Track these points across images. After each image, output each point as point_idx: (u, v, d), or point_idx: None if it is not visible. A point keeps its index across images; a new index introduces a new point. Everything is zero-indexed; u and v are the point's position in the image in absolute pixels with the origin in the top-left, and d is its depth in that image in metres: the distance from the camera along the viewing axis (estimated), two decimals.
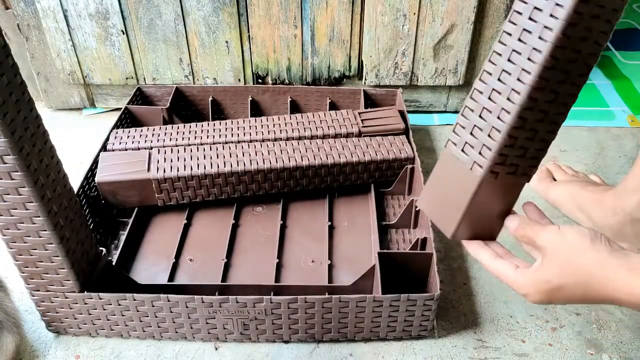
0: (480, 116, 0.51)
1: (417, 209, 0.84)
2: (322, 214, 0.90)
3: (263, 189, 0.89)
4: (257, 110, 1.13)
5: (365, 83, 1.14)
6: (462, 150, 0.53)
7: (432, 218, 0.60)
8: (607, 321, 0.74)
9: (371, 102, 1.10)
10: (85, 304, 0.67)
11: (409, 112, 1.08)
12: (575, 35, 0.45)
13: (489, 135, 0.50)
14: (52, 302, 0.68)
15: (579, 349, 0.71)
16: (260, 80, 1.17)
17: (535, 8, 0.46)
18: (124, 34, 1.09)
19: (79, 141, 1.12)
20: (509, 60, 0.48)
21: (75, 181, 0.74)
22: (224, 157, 0.87)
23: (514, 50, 0.47)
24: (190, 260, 0.81)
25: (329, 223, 0.87)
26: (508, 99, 0.48)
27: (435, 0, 1.02)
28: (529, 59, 0.46)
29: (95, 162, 0.88)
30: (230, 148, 0.89)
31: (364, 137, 0.94)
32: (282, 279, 0.78)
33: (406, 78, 1.13)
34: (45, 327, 0.72)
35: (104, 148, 0.92)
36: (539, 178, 0.96)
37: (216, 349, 0.71)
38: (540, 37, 0.45)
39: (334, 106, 1.10)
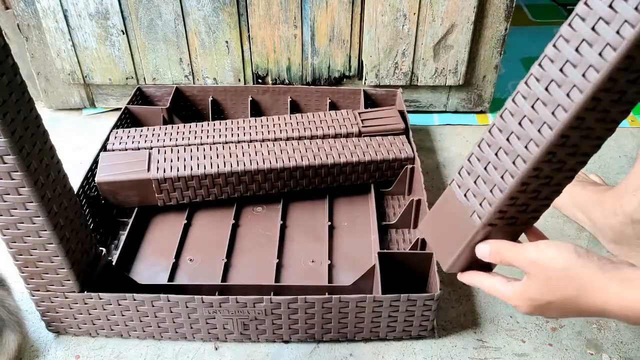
0: (485, 169, 0.51)
1: (417, 209, 0.84)
2: (322, 214, 0.90)
3: (263, 189, 0.89)
4: (257, 110, 1.13)
5: (365, 83, 1.14)
6: (465, 195, 0.54)
7: (431, 246, 0.62)
8: (607, 321, 0.74)
9: (371, 102, 1.10)
10: (85, 304, 0.67)
11: (409, 112, 1.08)
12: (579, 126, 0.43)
13: (491, 191, 0.50)
14: (52, 302, 0.68)
15: (579, 349, 0.71)
16: (260, 80, 1.17)
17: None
18: (124, 34, 1.09)
19: (79, 141, 1.12)
20: (519, 123, 0.47)
21: (75, 181, 0.74)
22: (224, 157, 0.87)
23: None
24: (190, 260, 0.81)
25: (329, 223, 0.87)
26: (514, 162, 0.47)
27: (435, 0, 1.02)
28: (543, 122, 0.44)
29: (95, 162, 0.88)
30: (230, 148, 0.89)
31: (364, 137, 0.94)
32: (282, 279, 0.78)
33: (406, 78, 1.13)
34: (45, 327, 0.72)
35: (104, 148, 0.92)
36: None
37: (216, 349, 0.71)
38: (553, 115, 0.44)
39: (334, 106, 1.10)
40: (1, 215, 0.57)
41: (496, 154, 0.50)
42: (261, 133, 0.94)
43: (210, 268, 0.79)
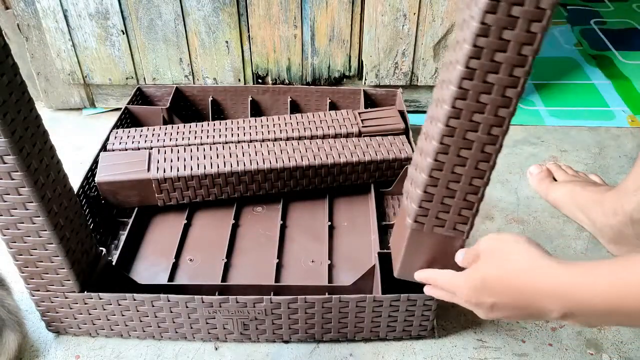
0: (415, 169, 0.57)
1: None
2: (322, 214, 0.90)
3: (263, 189, 0.89)
4: (257, 110, 1.13)
5: (365, 83, 1.14)
6: (406, 199, 0.59)
7: (393, 256, 0.66)
8: None
9: (371, 102, 1.10)
10: (85, 304, 0.67)
11: (409, 112, 1.08)
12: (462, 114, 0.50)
13: (415, 189, 0.56)
14: (52, 302, 0.68)
15: (579, 349, 0.71)
16: (260, 80, 1.17)
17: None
18: (124, 34, 1.09)
19: (79, 141, 1.12)
20: (425, 130, 0.55)
21: (75, 181, 0.74)
22: (224, 157, 0.87)
23: (431, 117, 0.54)
24: (190, 260, 0.81)
25: (329, 223, 0.87)
26: (426, 159, 0.54)
27: (435, 0, 1.02)
28: (437, 126, 0.51)
29: (95, 162, 0.88)
30: (230, 148, 0.89)
31: (364, 137, 0.95)
32: (282, 279, 0.78)
33: (406, 78, 1.13)
34: (45, 327, 0.72)
35: (104, 148, 0.92)
36: (539, 178, 0.95)
37: (216, 349, 0.71)
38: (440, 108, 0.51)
39: (334, 106, 1.10)
40: (1, 215, 0.57)
41: (420, 154, 0.56)
42: (261, 133, 0.94)
43: (210, 268, 0.79)
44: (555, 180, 0.95)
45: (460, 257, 0.57)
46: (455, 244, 0.58)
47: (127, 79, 1.15)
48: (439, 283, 0.58)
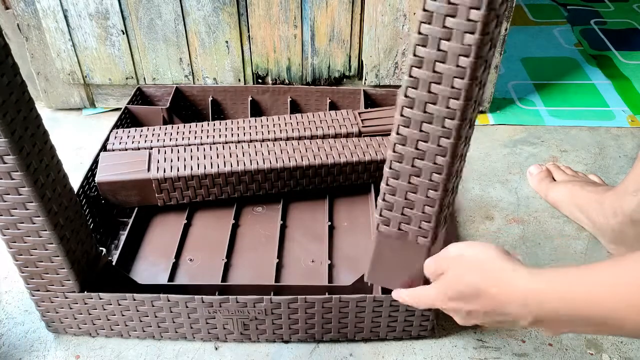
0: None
1: None
2: (322, 214, 0.90)
3: (263, 189, 0.89)
4: (257, 110, 1.13)
5: (365, 83, 1.14)
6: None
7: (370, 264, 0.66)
8: None
9: (371, 102, 1.10)
10: (85, 304, 0.67)
11: None
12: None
13: (379, 197, 0.57)
14: (52, 302, 0.68)
15: (579, 349, 0.71)
16: (260, 80, 1.17)
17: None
18: (124, 34, 1.09)
19: (79, 141, 1.12)
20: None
21: (75, 181, 0.74)
22: (224, 157, 0.87)
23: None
24: (190, 260, 0.81)
25: (329, 223, 0.87)
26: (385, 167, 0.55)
27: None
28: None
29: (95, 162, 0.88)
30: (230, 148, 0.89)
31: (364, 137, 0.95)
32: (282, 279, 0.78)
33: None
34: (45, 327, 0.72)
35: (104, 148, 0.92)
36: (539, 178, 0.95)
37: (216, 348, 0.71)
38: None
39: (334, 106, 1.10)
40: (1, 215, 0.57)
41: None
42: (261, 133, 0.94)
43: (210, 268, 0.79)
44: (555, 180, 0.95)
45: (428, 265, 0.57)
46: (422, 251, 0.58)
47: (127, 79, 1.15)
48: (416, 301, 0.58)
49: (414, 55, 0.46)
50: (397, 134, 0.51)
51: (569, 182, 0.91)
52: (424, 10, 0.44)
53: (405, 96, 0.48)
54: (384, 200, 0.56)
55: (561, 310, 0.44)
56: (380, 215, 0.57)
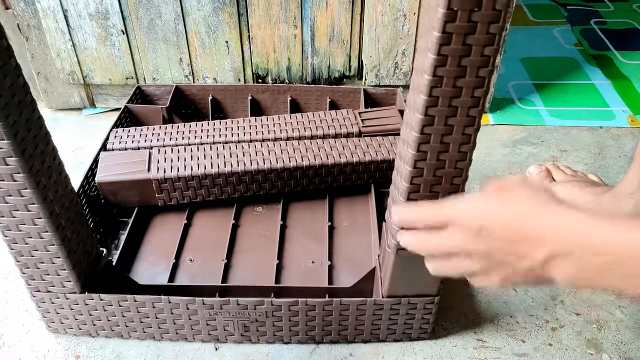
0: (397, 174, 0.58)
1: None
2: (322, 214, 0.90)
3: (263, 189, 0.89)
4: (257, 109, 1.13)
5: (365, 83, 1.14)
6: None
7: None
8: (607, 321, 0.75)
9: (371, 101, 1.10)
10: (86, 304, 0.67)
11: None
12: None
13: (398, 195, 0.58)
14: (53, 303, 0.68)
15: (579, 349, 0.71)
16: (260, 80, 1.17)
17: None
18: (124, 34, 1.09)
19: (79, 141, 1.12)
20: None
21: (76, 181, 0.74)
22: (224, 157, 0.87)
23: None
24: (191, 260, 0.81)
25: (329, 223, 0.87)
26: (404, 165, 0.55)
27: None
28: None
29: (95, 162, 0.88)
30: (230, 148, 0.89)
31: (364, 137, 0.95)
32: (282, 280, 0.78)
33: (406, 78, 1.13)
34: (45, 327, 0.73)
35: (104, 147, 0.92)
36: (539, 179, 0.96)
37: (216, 349, 0.71)
38: None
39: (334, 105, 1.10)
40: (3, 217, 0.57)
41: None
42: (261, 133, 0.94)
43: (211, 268, 0.79)
44: (555, 180, 0.95)
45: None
46: None
47: (127, 79, 1.15)
48: (433, 216, 0.48)
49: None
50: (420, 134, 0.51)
51: (568, 182, 0.92)
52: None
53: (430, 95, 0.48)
54: (407, 199, 0.55)
55: (598, 244, 0.39)
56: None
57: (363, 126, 0.96)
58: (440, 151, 0.51)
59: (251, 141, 0.93)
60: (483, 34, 0.44)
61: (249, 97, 1.11)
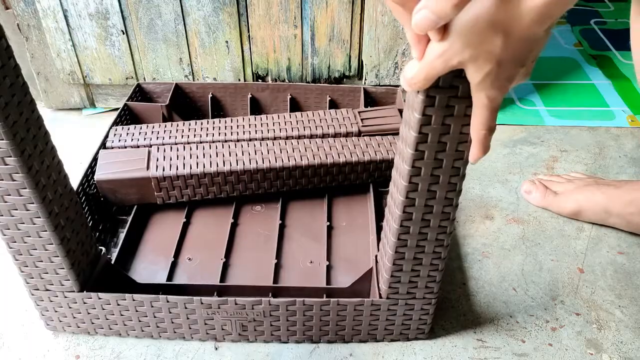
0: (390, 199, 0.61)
1: None
2: (321, 213, 0.90)
3: (262, 188, 0.89)
4: (256, 107, 1.13)
5: (365, 83, 1.14)
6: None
7: None
8: (607, 321, 0.75)
9: (371, 100, 1.10)
10: (85, 303, 0.67)
11: None
12: None
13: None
14: (51, 301, 0.68)
15: (579, 349, 0.71)
16: (260, 80, 1.17)
17: None
18: (124, 34, 1.09)
19: (78, 141, 1.12)
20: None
21: (75, 181, 0.74)
22: (224, 156, 0.87)
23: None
24: (189, 259, 0.81)
25: (328, 223, 0.87)
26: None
27: None
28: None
29: (94, 160, 0.88)
30: (229, 147, 0.89)
31: (363, 136, 0.95)
32: (280, 280, 0.78)
33: None
34: (44, 326, 0.73)
35: (103, 145, 0.92)
36: (540, 194, 0.93)
37: (216, 348, 0.71)
38: None
39: (333, 104, 1.10)
40: (2, 216, 0.57)
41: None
42: (261, 132, 0.94)
43: (209, 267, 0.79)
44: (554, 191, 0.93)
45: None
46: None
47: (127, 79, 1.15)
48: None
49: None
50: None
51: (577, 188, 0.90)
52: None
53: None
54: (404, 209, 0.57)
55: None
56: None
57: (363, 125, 0.96)
58: (438, 150, 0.51)
59: (250, 140, 0.93)
60: None
61: (249, 96, 1.11)
